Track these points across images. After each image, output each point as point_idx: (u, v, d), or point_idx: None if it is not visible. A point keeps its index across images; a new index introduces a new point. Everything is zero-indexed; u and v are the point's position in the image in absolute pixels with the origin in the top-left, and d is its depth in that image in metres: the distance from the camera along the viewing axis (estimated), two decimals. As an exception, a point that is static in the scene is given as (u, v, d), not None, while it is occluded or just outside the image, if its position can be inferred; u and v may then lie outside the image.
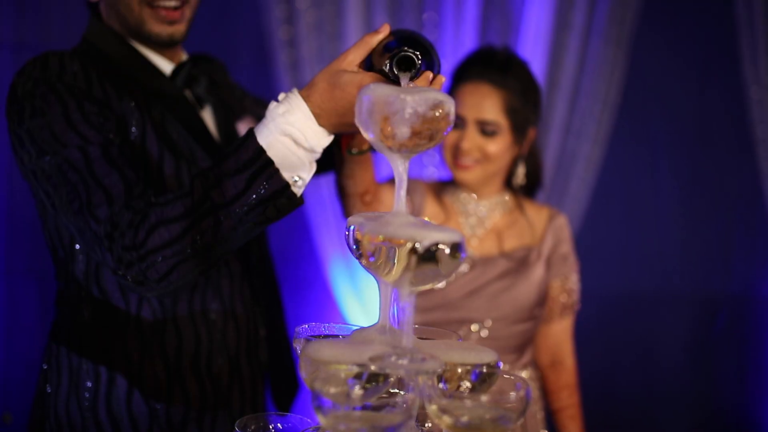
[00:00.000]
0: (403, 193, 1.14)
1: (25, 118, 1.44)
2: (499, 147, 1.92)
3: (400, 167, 1.14)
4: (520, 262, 1.96)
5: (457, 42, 3.30)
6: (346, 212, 1.74)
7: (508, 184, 2.03)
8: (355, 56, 1.33)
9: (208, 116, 1.75)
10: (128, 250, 1.36)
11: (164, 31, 1.61)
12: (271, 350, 1.78)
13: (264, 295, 1.76)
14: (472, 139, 1.91)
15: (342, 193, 1.70)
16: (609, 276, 3.57)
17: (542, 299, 2.00)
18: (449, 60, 3.16)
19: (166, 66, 1.67)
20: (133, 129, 1.53)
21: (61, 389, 1.61)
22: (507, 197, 2.03)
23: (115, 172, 1.41)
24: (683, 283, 3.57)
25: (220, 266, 1.64)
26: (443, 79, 1.36)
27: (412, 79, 1.26)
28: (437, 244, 1.05)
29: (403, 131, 1.09)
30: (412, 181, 2.02)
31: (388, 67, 1.25)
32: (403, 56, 1.24)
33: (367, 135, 1.11)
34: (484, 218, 2.00)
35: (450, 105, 1.10)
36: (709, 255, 3.56)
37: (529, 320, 1.97)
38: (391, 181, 1.98)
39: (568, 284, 2.03)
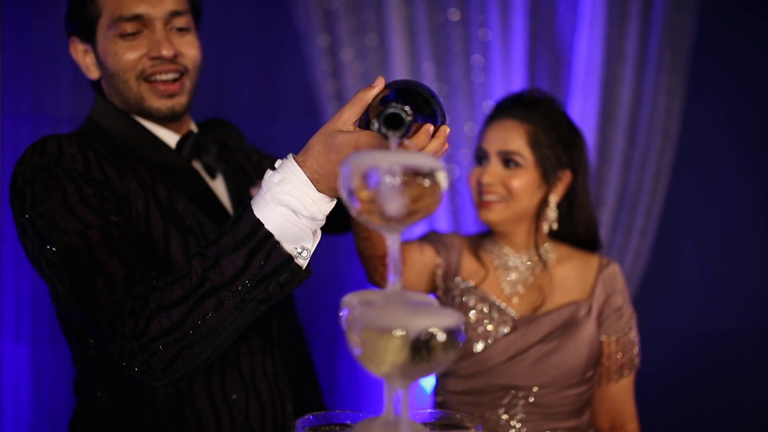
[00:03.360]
0: (396, 270, 0.99)
1: (27, 207, 1.37)
2: (522, 182, 1.74)
3: (390, 242, 0.99)
4: (567, 321, 1.74)
5: (506, 82, 3.14)
6: (368, 276, 1.60)
7: (549, 233, 1.83)
8: (350, 115, 1.21)
9: (220, 186, 1.65)
10: (129, 339, 1.25)
11: (164, 106, 1.52)
12: (302, 425, 1.64)
13: (290, 367, 1.62)
14: (494, 172, 1.75)
15: (360, 256, 1.55)
16: (684, 313, 3.30)
17: (595, 359, 1.76)
18: (498, 101, 3.00)
19: (171, 138, 1.58)
20: (137, 208, 1.43)
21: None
22: (549, 248, 1.82)
23: (115, 257, 1.31)
24: (764, 317, 3.26)
25: (238, 343, 1.51)
26: (447, 130, 1.22)
27: (403, 136, 1.12)
28: (428, 332, 0.90)
29: (387, 205, 0.94)
30: (447, 237, 1.85)
31: (376, 126, 1.11)
32: (389, 115, 1.10)
33: (352, 209, 0.97)
34: (525, 273, 1.80)
35: (440, 171, 0.95)
36: (790, 285, 3.25)
37: (582, 384, 1.74)
38: (418, 240, 1.82)
39: (624, 340, 1.79)
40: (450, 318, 0.91)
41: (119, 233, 1.34)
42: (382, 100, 1.19)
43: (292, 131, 3.18)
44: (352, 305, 0.99)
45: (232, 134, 1.82)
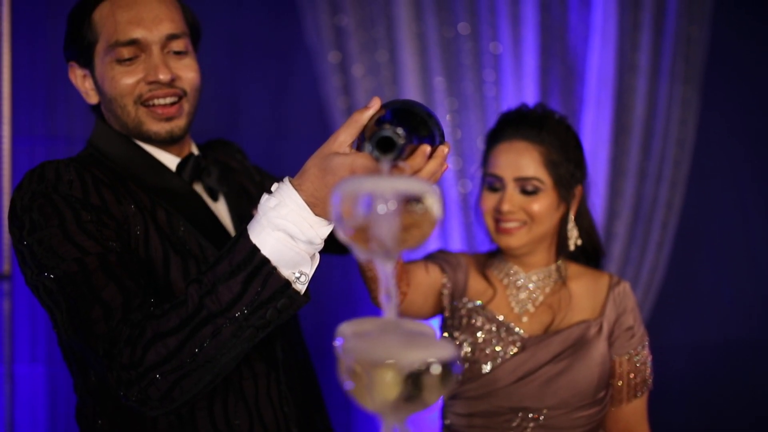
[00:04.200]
0: (391, 301, 0.95)
1: (25, 234, 1.34)
2: (543, 205, 1.67)
3: (383, 270, 0.95)
4: (577, 341, 1.67)
5: (518, 96, 3.09)
6: (372, 298, 1.55)
7: (560, 251, 1.77)
8: (345, 137, 1.17)
9: (222, 208, 1.61)
10: (126, 369, 1.22)
11: (162, 129, 1.49)
12: (307, 451, 1.59)
13: (295, 391, 1.58)
14: (512, 199, 1.68)
15: (363, 278, 1.50)
16: (703, 325, 3.23)
17: (607, 380, 1.69)
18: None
19: (172, 161, 1.55)
20: (136, 233, 1.40)
21: None
22: (560, 266, 1.76)
23: (113, 284, 1.28)
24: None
25: (242, 367, 1.47)
26: (446, 150, 1.17)
27: (397, 158, 1.07)
28: (422, 365, 0.86)
29: (377, 233, 0.90)
30: (453, 256, 1.80)
31: (369, 149, 1.07)
32: (380, 138, 1.06)
33: (343, 237, 0.93)
34: (534, 292, 1.73)
35: (431, 196, 0.91)
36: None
37: (594, 405, 1.67)
38: (423, 259, 1.77)
39: (636, 360, 1.71)
40: (444, 350, 0.87)
41: (117, 259, 1.31)
42: (378, 121, 1.15)
43: (303, 148, 3.15)
44: (346, 336, 0.95)
45: (235, 155, 1.79)
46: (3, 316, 2.54)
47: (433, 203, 0.90)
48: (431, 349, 0.87)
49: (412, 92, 3.07)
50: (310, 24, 3.01)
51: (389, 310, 0.95)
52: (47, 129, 2.93)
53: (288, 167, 2.33)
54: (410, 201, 0.89)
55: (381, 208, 0.88)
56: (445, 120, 3.09)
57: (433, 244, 3.08)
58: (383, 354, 0.86)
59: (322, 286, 3.14)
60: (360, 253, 0.94)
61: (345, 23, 3.04)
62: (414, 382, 0.86)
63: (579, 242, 1.76)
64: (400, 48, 3.06)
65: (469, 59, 3.10)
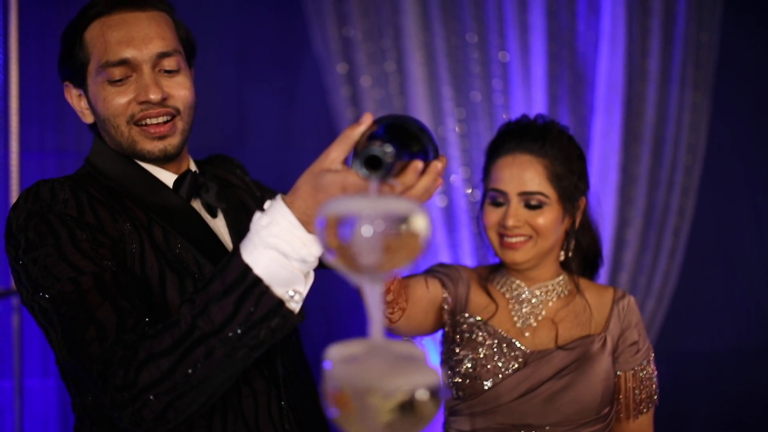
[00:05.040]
0: (378, 323, 0.92)
1: (20, 253, 1.32)
2: (548, 219, 1.63)
3: (370, 292, 0.92)
4: (580, 355, 1.62)
5: (528, 105, 3.06)
6: (369, 314, 1.52)
7: (563, 265, 1.72)
8: (337, 153, 1.15)
9: (221, 225, 1.58)
10: (120, 390, 1.19)
11: (155, 148, 1.46)
12: (310, 470, 1.56)
13: (297, 408, 1.54)
14: (517, 214, 1.63)
15: (360, 294, 1.47)
16: (717, 333, 3.17)
17: (611, 396, 1.65)
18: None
19: (169, 179, 1.53)
20: (131, 251, 1.38)
21: None
22: (563, 280, 1.72)
23: (108, 304, 1.26)
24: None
25: (240, 385, 1.44)
26: (440, 165, 1.13)
27: (386, 176, 1.04)
28: (410, 390, 0.83)
29: (363, 255, 0.87)
30: (454, 269, 1.75)
31: (357, 167, 1.04)
32: (367, 156, 1.03)
33: (329, 258, 0.91)
34: (538, 306, 1.69)
35: (418, 215, 0.88)
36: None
37: (598, 422, 1.62)
38: (423, 273, 1.74)
39: (642, 375, 1.67)
40: (431, 375, 0.84)
41: (112, 278, 1.29)
42: (371, 137, 1.12)
43: (312, 159, 3.12)
44: (334, 359, 0.93)
45: (235, 170, 1.77)
46: (12, 331, 2.54)
47: (420, 223, 0.87)
48: (418, 374, 0.84)
49: (420, 102, 3.04)
50: (317, 35, 3.00)
51: (377, 332, 0.93)
52: (57, 144, 2.94)
53: (296, 179, 2.32)
54: (397, 221, 0.87)
55: (365, 230, 0.85)
56: (454, 129, 3.06)
57: (443, 254, 3.05)
58: (369, 380, 0.84)
59: (333, 297, 3.12)
60: (346, 275, 0.91)
61: (352, 34, 3.03)
62: (401, 408, 0.84)
63: (571, 253, 1.71)
64: (408, 58, 3.04)
65: (477, 68, 3.07)
